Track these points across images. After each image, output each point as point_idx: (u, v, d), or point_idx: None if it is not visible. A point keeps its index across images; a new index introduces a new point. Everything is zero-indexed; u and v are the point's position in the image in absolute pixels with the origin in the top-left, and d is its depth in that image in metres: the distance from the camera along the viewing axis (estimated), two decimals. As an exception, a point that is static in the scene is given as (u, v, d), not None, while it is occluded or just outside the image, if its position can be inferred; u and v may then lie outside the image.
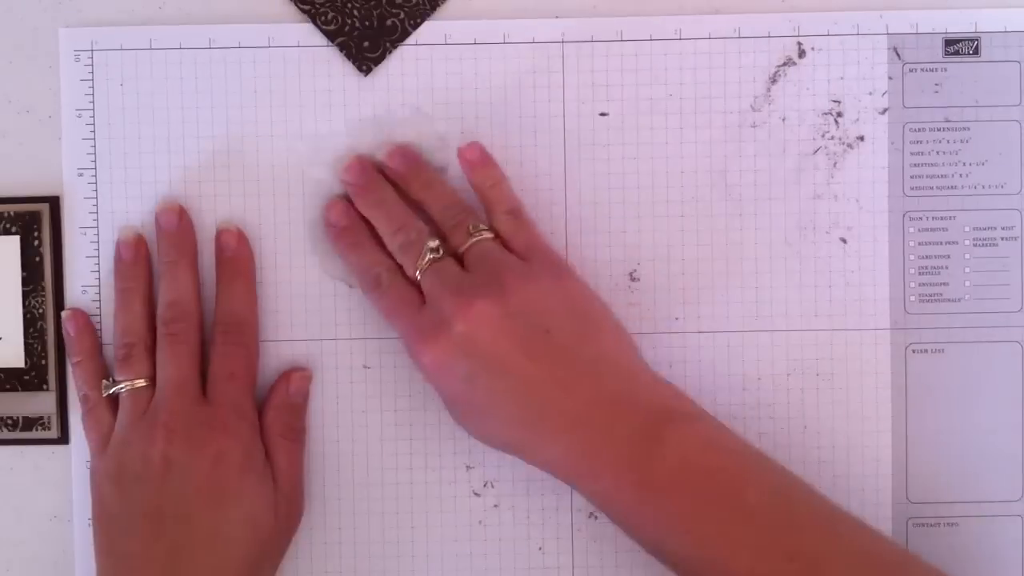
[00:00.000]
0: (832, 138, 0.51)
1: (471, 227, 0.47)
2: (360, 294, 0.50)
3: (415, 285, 0.47)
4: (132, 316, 0.49)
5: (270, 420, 0.49)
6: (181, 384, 0.48)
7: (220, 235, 0.50)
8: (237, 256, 0.50)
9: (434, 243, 0.47)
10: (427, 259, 0.47)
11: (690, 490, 0.44)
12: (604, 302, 0.49)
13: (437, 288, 0.46)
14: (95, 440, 0.49)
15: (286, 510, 0.49)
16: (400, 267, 0.48)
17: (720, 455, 0.45)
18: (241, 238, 0.50)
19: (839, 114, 0.51)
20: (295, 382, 0.50)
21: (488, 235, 0.47)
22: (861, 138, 0.51)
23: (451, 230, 0.48)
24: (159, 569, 0.46)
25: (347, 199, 0.50)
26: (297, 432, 0.50)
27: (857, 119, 0.51)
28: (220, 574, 0.46)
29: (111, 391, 0.49)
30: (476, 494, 0.51)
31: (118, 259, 0.50)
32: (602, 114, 0.51)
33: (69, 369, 0.51)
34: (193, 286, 0.50)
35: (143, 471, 0.47)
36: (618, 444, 0.44)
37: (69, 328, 0.50)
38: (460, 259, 0.47)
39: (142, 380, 0.48)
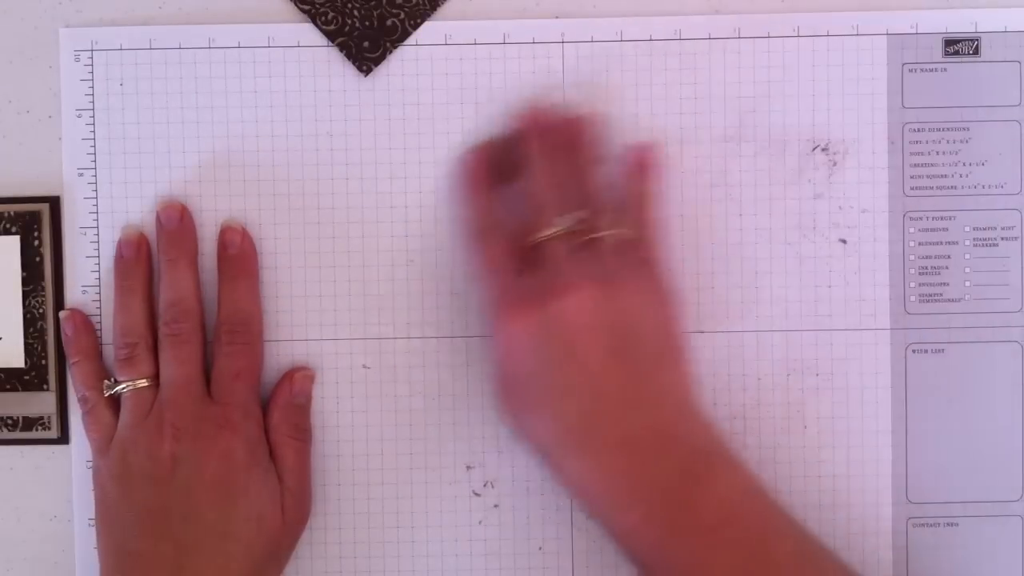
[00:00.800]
0: (832, 138, 0.51)
1: (611, 217, 0.46)
2: (358, 294, 0.51)
3: (520, 250, 0.46)
4: (133, 315, 0.49)
5: (277, 420, 0.49)
6: (186, 383, 0.48)
7: (224, 232, 0.50)
8: (241, 253, 0.50)
9: (577, 216, 0.45)
10: (563, 228, 0.45)
11: (723, 537, 0.43)
12: (686, 334, 0.48)
13: (561, 260, 0.45)
14: (97, 440, 0.49)
15: (294, 509, 0.49)
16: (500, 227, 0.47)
17: (754, 505, 0.45)
18: (245, 235, 0.50)
19: (839, 114, 0.51)
20: (298, 382, 0.50)
21: (627, 233, 0.46)
22: (861, 138, 0.51)
23: (596, 212, 0.46)
24: (167, 567, 0.46)
25: (483, 151, 0.49)
26: (304, 431, 0.50)
27: (857, 119, 0.51)
28: (227, 572, 0.46)
29: (113, 391, 0.49)
30: (476, 494, 0.51)
31: (119, 257, 0.50)
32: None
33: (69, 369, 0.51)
34: (194, 284, 0.49)
35: (150, 470, 0.47)
36: (659, 478, 0.44)
37: (67, 328, 0.50)
38: (589, 242, 0.46)
39: (144, 380, 0.48)
